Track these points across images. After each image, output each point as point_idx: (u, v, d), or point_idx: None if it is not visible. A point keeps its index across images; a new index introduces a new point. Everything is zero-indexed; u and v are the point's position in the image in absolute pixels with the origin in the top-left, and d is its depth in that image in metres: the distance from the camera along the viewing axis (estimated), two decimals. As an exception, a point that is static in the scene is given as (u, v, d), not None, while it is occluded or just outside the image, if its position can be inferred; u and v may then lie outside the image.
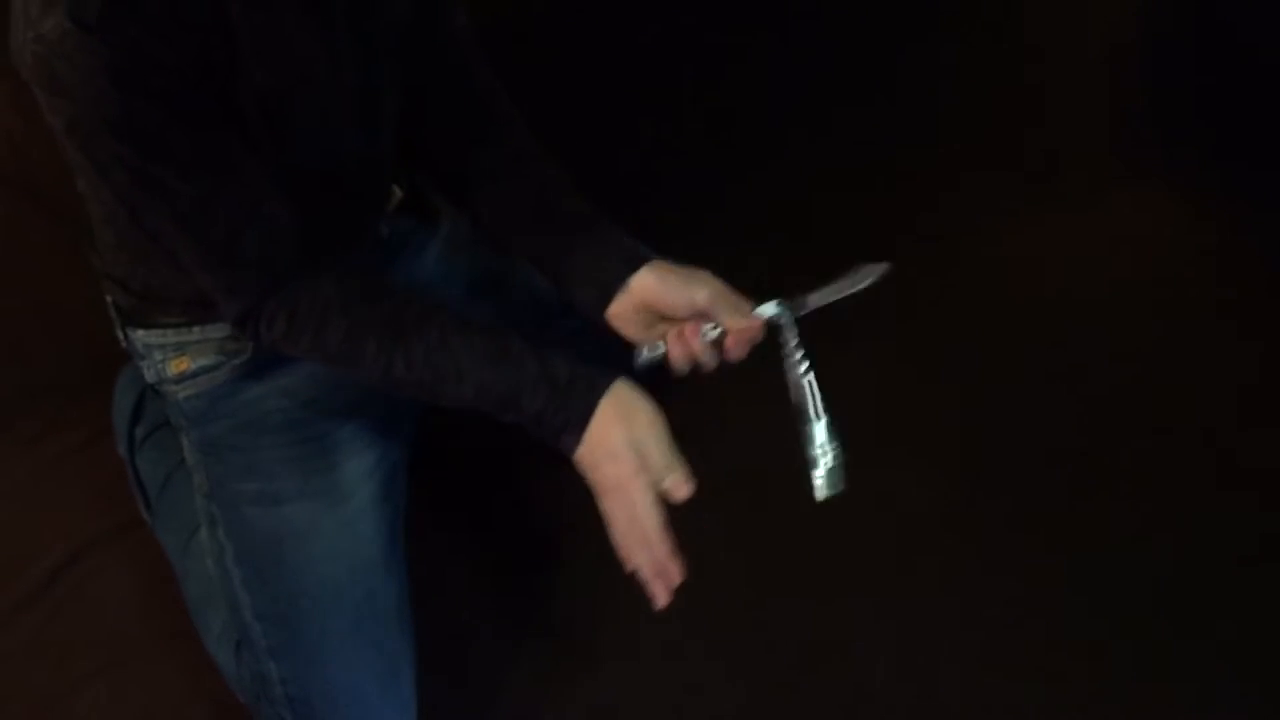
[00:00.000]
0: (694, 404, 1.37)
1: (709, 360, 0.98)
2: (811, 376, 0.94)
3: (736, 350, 0.97)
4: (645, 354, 1.01)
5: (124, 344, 1.15)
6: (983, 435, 1.39)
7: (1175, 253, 1.57)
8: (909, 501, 1.33)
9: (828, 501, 0.92)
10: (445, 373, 0.93)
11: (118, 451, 1.30)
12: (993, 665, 1.20)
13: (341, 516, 1.08)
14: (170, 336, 1.09)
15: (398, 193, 1.19)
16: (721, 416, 1.36)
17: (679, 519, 0.84)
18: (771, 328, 0.97)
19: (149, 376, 1.13)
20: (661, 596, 0.90)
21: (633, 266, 0.99)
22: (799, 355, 0.95)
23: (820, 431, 0.93)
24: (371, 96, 0.99)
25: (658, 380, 0.97)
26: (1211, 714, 1.17)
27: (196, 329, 1.09)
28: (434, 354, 0.93)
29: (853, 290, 0.97)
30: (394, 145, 1.08)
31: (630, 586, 1.25)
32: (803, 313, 0.97)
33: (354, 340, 0.93)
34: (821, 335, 1.46)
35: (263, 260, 0.92)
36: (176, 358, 1.10)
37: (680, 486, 0.89)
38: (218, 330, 1.09)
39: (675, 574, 0.89)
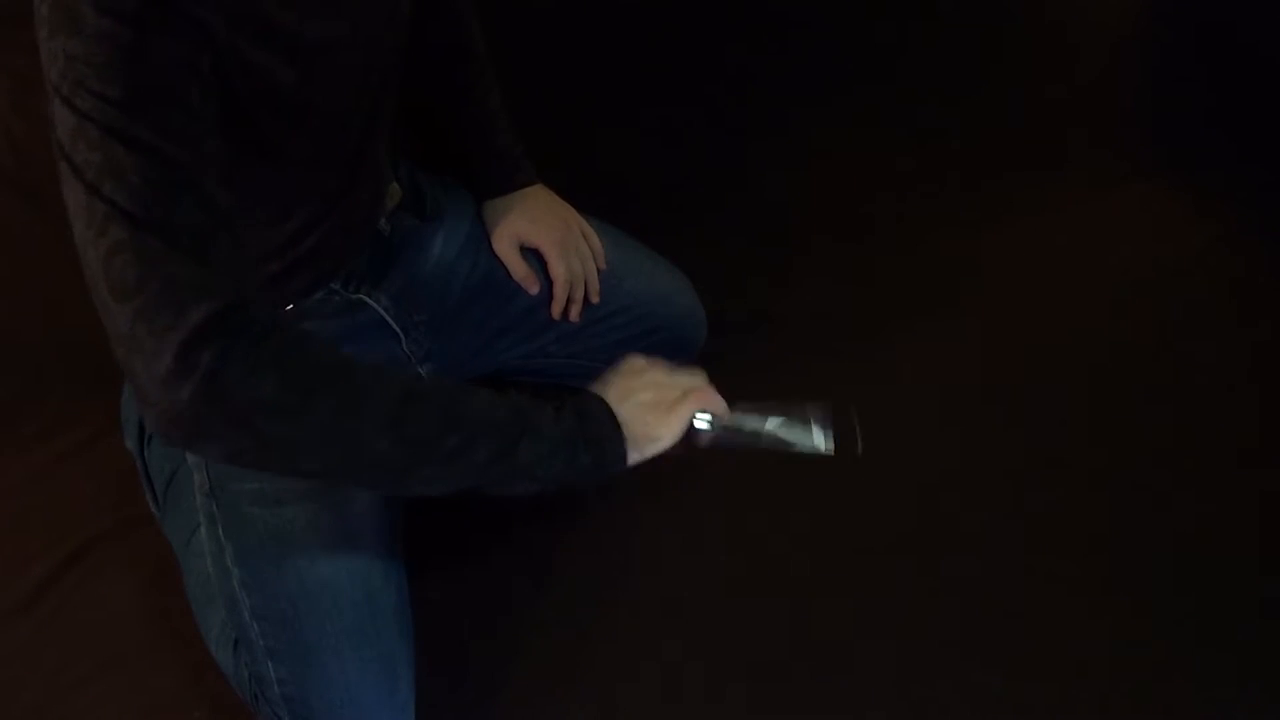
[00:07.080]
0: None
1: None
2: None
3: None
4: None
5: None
6: (985, 433, 1.38)
7: (1177, 250, 1.56)
8: (908, 504, 1.33)
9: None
10: (460, 425, 0.84)
11: (125, 446, 1.29)
12: (993, 665, 1.20)
13: (342, 518, 1.08)
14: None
15: (398, 190, 1.19)
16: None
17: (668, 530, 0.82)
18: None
19: (150, 376, 1.12)
20: None
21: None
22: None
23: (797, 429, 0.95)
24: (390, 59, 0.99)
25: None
26: (1214, 714, 1.17)
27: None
28: (445, 408, 0.83)
29: (787, 436, 0.96)
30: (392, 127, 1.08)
31: (629, 590, 1.26)
32: (722, 430, 0.95)
33: (351, 400, 0.79)
34: (824, 334, 1.47)
35: (230, 263, 0.75)
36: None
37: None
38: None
39: None
